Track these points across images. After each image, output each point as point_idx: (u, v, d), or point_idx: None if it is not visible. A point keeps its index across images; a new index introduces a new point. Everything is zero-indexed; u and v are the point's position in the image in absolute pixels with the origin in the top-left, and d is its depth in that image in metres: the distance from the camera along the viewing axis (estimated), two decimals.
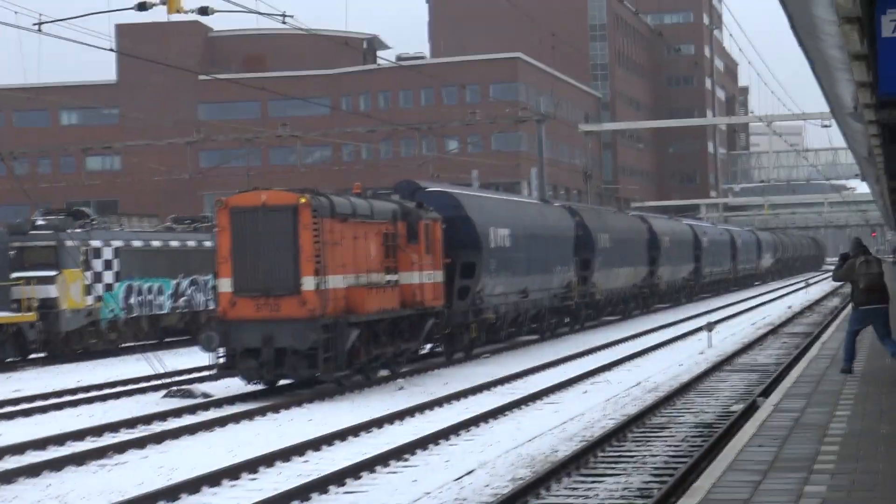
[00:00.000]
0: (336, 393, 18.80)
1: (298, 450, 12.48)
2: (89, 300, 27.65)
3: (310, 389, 19.25)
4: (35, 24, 17.78)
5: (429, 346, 24.49)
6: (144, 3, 15.61)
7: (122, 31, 69.60)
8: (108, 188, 66.94)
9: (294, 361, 17.84)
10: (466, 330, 24.50)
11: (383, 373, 20.72)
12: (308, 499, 9.75)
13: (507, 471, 10.93)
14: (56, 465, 12.07)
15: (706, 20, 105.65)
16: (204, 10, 16.51)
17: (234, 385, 19.60)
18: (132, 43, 61.69)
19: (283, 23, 18.88)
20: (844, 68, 12.10)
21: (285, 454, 12.19)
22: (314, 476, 10.64)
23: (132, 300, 29.72)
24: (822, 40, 11.89)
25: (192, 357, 23.95)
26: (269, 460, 11.85)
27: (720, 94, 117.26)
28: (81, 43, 20.44)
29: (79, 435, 14.63)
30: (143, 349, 24.69)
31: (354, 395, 18.96)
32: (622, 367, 22.91)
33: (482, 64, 71.92)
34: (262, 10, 18.60)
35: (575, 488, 10.02)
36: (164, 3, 14.10)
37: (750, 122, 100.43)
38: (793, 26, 11.83)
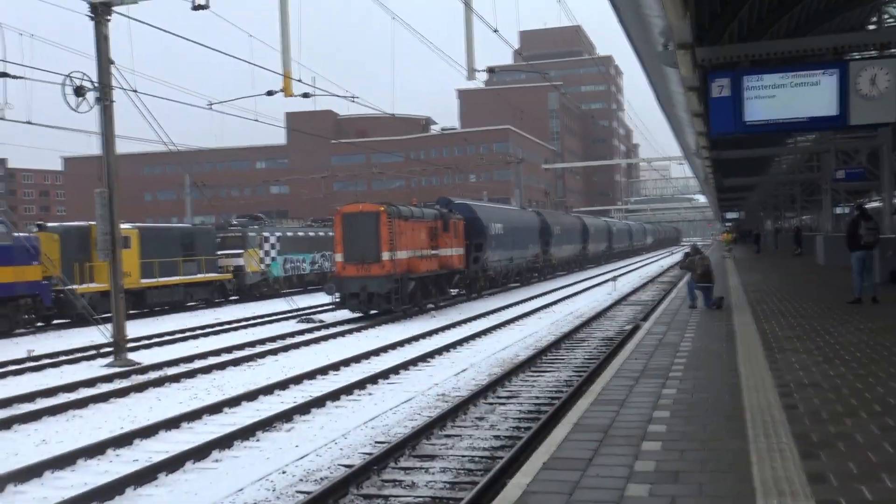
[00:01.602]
0: (398, 319, 27.28)
1: (366, 356, 19.00)
2: (262, 266, 41.94)
3: (386, 316, 27.71)
4: (208, 105, 24.72)
5: (455, 290, 35.36)
6: (272, 91, 22.25)
7: (290, 115, 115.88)
8: (282, 203, 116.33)
9: (378, 300, 27.54)
10: (477, 281, 37.71)
11: (430, 306, 30.92)
12: (364, 387, 15.59)
13: (487, 369, 16.97)
14: (221, 366, 18.72)
15: (615, 106, 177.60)
16: (306, 95, 22.79)
17: (339, 315, 28.82)
18: (295, 122, 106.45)
19: (353, 101, 26.01)
20: (689, 123, 17.24)
21: (357, 359, 18.67)
22: (371, 373, 16.74)
23: (287, 266, 44.71)
24: (675, 105, 17.11)
25: (320, 298, 36.58)
26: (347, 363, 18.30)
27: (622, 147, 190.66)
28: (239, 116, 29.73)
29: (240, 347, 21.76)
30: (291, 294, 40.42)
31: (407, 321, 27.11)
32: (563, 302, 33.16)
33: (489, 132, 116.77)
34: (338, 94, 26.02)
35: (526, 380, 15.70)
36: (282, 91, 20.35)
37: (639, 162, 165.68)
38: (658, 98, 17.09)
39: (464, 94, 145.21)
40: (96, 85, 20.08)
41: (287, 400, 14.67)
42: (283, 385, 15.96)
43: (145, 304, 33.93)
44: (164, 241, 35.60)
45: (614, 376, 9.99)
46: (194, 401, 14.85)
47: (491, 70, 23.08)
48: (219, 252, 39.67)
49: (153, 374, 18.01)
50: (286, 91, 20.03)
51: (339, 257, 28.44)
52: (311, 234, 47.54)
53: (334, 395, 14.56)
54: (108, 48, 20.41)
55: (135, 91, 19.83)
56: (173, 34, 20.89)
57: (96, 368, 19.35)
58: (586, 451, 6.59)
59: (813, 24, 13.95)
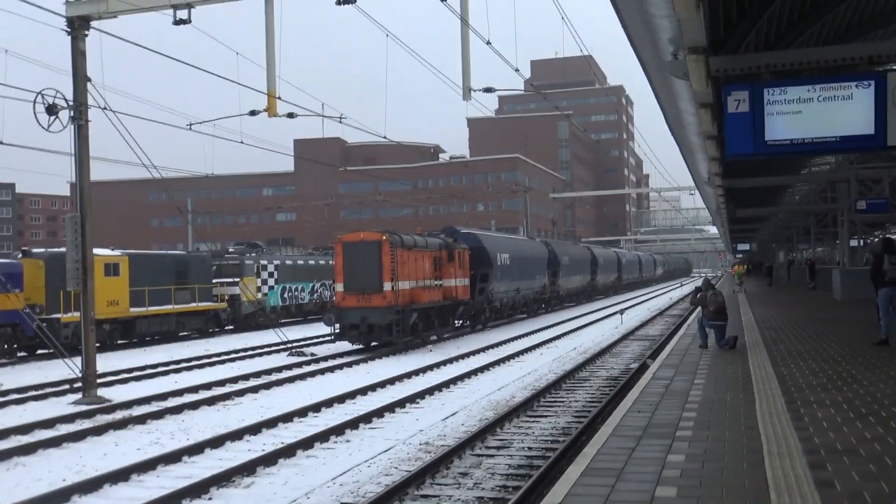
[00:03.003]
0: (395, 353, 25.89)
1: (352, 395, 17.55)
2: (259, 295, 40.54)
3: (384, 349, 26.35)
4: (187, 126, 23.38)
5: (459, 322, 34.34)
6: (255, 111, 21.02)
7: (298, 143, 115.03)
8: (289, 231, 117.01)
9: (379, 332, 26.45)
10: (482, 312, 36.41)
11: (432, 338, 29.57)
12: (342, 432, 14.08)
13: (479, 412, 15.49)
14: (194, 405, 17.24)
15: (625, 136, 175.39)
16: (291, 115, 21.61)
17: (336, 347, 27.89)
18: (303, 149, 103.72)
19: (340, 122, 24.29)
20: (701, 148, 15.94)
21: (342, 398, 17.23)
22: (353, 415, 15.31)
23: (286, 295, 43.07)
24: (686, 128, 15.76)
25: (319, 329, 35.59)
26: (330, 403, 16.86)
27: (633, 177, 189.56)
28: (217, 137, 27.46)
29: (220, 383, 20.36)
30: (290, 324, 40.07)
31: (403, 355, 25.53)
32: (568, 336, 31.72)
33: (498, 161, 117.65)
34: (326, 114, 24.21)
35: (520, 426, 14.25)
36: (265, 111, 19.08)
37: (649, 192, 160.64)
38: (667, 119, 15.74)
39: (473, 123, 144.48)
40: (70, 103, 18.94)
41: (256, 447, 13.28)
42: (254, 429, 14.54)
43: (135, 333, 32.67)
44: (155, 269, 34.34)
45: (612, 434, 8.65)
46: (154, 447, 13.48)
47: (488, 90, 21.68)
48: (214, 280, 38.42)
49: (120, 414, 16.65)
50: (270, 111, 18.80)
51: (339, 287, 27.52)
52: (312, 262, 46.14)
53: (307, 443, 13.17)
54: (85, 64, 19.29)
55: (107, 108, 18.64)
56: (155, 52, 19.77)
57: (63, 406, 18.03)
58: None
59: (845, 40, 12.62)
